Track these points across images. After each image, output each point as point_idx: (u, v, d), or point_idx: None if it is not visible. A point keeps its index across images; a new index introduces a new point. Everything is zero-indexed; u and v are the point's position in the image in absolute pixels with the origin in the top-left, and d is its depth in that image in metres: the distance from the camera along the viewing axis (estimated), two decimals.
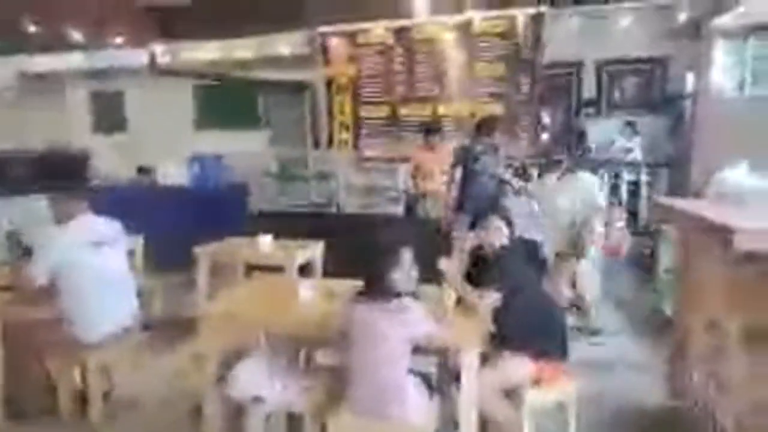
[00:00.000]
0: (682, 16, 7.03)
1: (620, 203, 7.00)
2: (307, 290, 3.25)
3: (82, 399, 3.48)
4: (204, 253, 4.91)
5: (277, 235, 4.87)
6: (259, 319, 3.18)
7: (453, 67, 7.99)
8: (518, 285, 3.03)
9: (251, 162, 8.20)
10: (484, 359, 2.86)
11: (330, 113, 8.75)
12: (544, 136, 8.10)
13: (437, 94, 8.15)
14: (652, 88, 7.88)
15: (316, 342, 3.18)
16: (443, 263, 3.18)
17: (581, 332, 4.81)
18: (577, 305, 4.97)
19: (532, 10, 7.51)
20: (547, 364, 2.95)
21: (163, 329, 4.46)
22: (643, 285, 6.03)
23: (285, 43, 8.69)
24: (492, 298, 2.94)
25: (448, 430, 2.81)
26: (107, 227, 3.53)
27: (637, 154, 7.36)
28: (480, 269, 3.20)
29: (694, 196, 5.37)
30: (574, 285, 4.93)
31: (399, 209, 6.83)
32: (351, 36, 8.40)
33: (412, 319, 2.48)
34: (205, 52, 9.12)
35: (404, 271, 2.58)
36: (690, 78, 7.30)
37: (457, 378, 2.75)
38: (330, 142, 8.80)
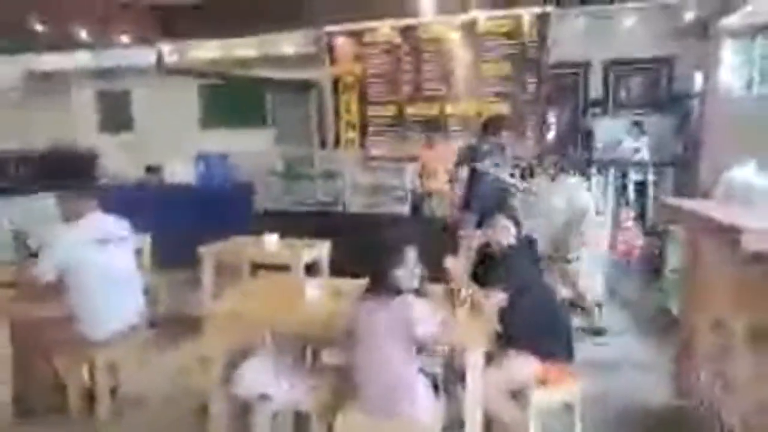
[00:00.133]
0: (689, 16, 7.00)
1: (627, 203, 6.98)
2: (313, 289, 3.26)
3: (89, 397, 3.50)
4: (209, 252, 4.92)
5: (282, 234, 4.87)
6: (265, 318, 3.19)
7: (459, 66, 7.98)
8: (524, 285, 3.02)
9: (257, 161, 8.21)
10: (490, 359, 2.87)
11: (336, 112, 8.75)
12: (551, 136, 8.09)
13: (444, 93, 8.14)
14: (658, 88, 7.86)
15: (323, 341, 3.19)
16: (449, 262, 3.19)
17: (585, 332, 4.80)
18: (579, 305, 4.96)
19: (537, 10, 7.49)
20: (553, 364, 2.95)
21: (168, 327, 4.49)
22: (649, 285, 6.01)
23: (291, 42, 8.69)
24: (498, 297, 2.94)
25: (453, 429, 2.81)
26: (115, 225, 3.54)
27: (645, 154, 7.33)
28: (486, 268, 3.20)
29: (702, 196, 5.36)
30: (574, 285, 4.93)
31: (405, 208, 6.83)
32: (357, 35, 8.40)
33: (413, 317, 2.47)
34: (211, 51, 9.13)
35: (408, 268, 2.59)
36: (697, 77, 7.27)
37: (462, 377, 2.75)
38: (336, 141, 8.81)
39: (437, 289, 3.06)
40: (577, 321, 4.73)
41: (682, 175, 7.18)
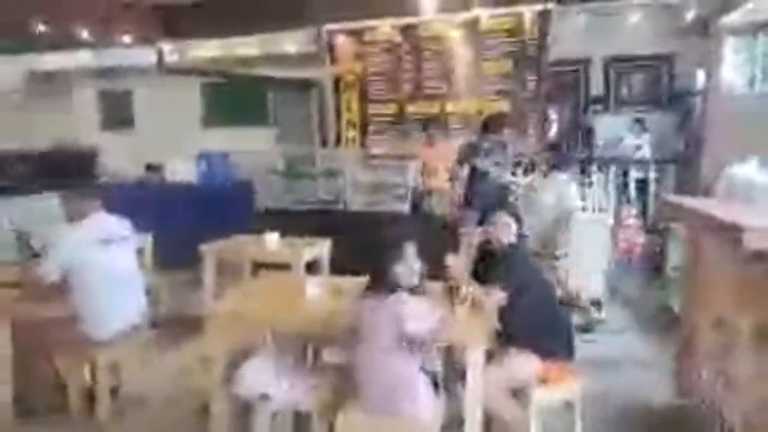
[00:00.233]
0: (690, 13, 6.99)
1: (628, 201, 6.97)
2: (314, 288, 3.25)
3: (90, 397, 3.50)
4: (210, 251, 4.92)
5: (283, 233, 4.87)
6: (266, 317, 3.18)
7: (460, 64, 7.97)
8: (525, 283, 3.02)
9: (258, 160, 8.21)
10: (490, 357, 2.86)
11: (337, 111, 8.74)
12: (552, 133, 8.08)
13: (444, 91, 8.13)
14: (659, 85, 7.86)
15: (324, 340, 3.18)
16: (450, 259, 3.18)
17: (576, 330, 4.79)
18: (568, 303, 4.94)
19: (539, 7, 7.47)
20: (554, 362, 2.95)
21: (170, 327, 4.49)
22: (650, 282, 6.00)
23: (291, 41, 8.69)
24: (498, 296, 2.94)
25: (453, 427, 2.81)
26: (117, 225, 3.55)
27: (646, 152, 7.32)
28: (487, 265, 3.19)
29: (703, 193, 5.35)
30: (559, 282, 4.90)
31: (406, 207, 6.83)
32: (358, 34, 8.39)
33: (404, 314, 2.46)
34: (212, 50, 9.12)
35: (408, 264, 2.59)
36: (699, 75, 7.26)
37: (462, 376, 2.75)
38: (337, 139, 8.80)
39: (437, 286, 3.05)
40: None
41: (684, 172, 7.17)
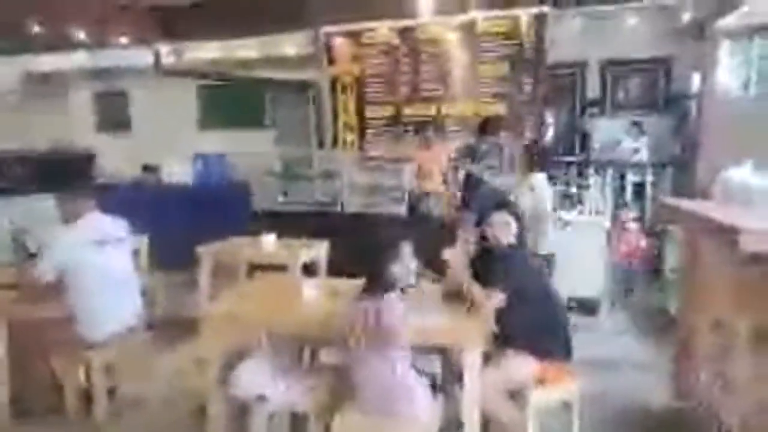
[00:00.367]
0: (686, 17, 7.01)
1: (625, 204, 6.98)
2: (310, 289, 3.25)
3: (87, 398, 3.49)
4: (207, 252, 4.91)
5: (280, 235, 4.86)
6: (262, 319, 3.18)
7: (457, 67, 7.97)
8: (523, 285, 2.99)
9: (255, 161, 8.20)
10: (487, 359, 2.86)
11: (334, 113, 8.73)
12: (548, 136, 8.08)
13: (441, 94, 8.12)
14: (656, 89, 7.88)
15: (320, 341, 3.18)
16: (448, 253, 3.17)
17: None
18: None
19: (535, 10, 7.48)
20: (551, 363, 2.94)
21: (165, 329, 4.47)
22: (648, 285, 6.01)
23: (289, 43, 8.68)
24: (499, 298, 2.93)
25: (451, 429, 2.81)
26: (113, 226, 3.54)
27: (644, 155, 7.33)
28: (486, 265, 3.16)
29: (700, 196, 5.36)
30: None
31: (402, 208, 6.82)
32: (355, 36, 8.38)
33: (391, 315, 2.46)
34: (209, 52, 9.10)
35: (404, 264, 2.60)
36: (695, 78, 7.28)
37: (460, 378, 2.74)
38: (334, 141, 8.78)
39: (435, 287, 3.05)
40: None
41: (680, 175, 7.19)
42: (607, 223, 5.49)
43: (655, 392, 3.76)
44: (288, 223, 5.33)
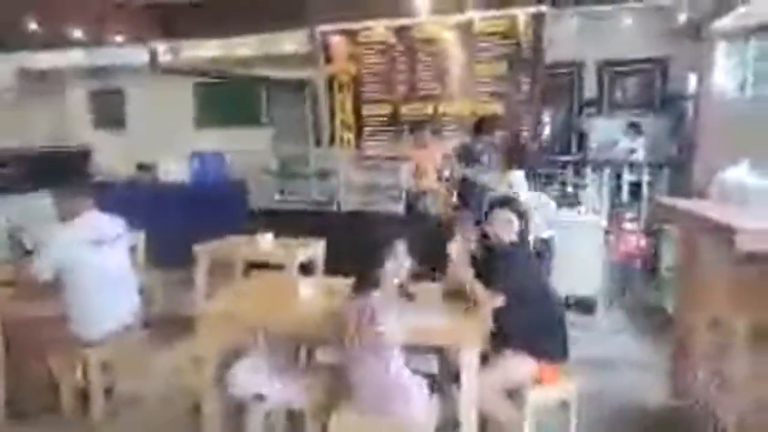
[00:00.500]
0: (683, 18, 7.02)
1: (621, 204, 6.99)
2: (307, 288, 3.25)
3: (83, 396, 3.48)
4: (203, 251, 4.90)
5: (277, 233, 4.85)
6: (259, 318, 3.17)
7: (454, 66, 7.97)
8: (523, 285, 2.99)
9: (251, 160, 8.19)
10: (485, 359, 2.86)
11: (331, 111, 8.71)
12: (545, 135, 8.10)
13: (438, 93, 8.12)
14: (653, 89, 7.88)
15: (317, 340, 3.17)
16: (451, 247, 3.17)
17: None
18: None
19: (532, 10, 7.48)
20: (549, 363, 2.94)
21: (162, 327, 4.46)
22: (645, 283, 6.02)
23: (286, 41, 8.66)
24: (499, 299, 2.92)
25: (448, 429, 2.81)
26: (110, 224, 3.53)
27: (641, 155, 7.34)
28: (487, 260, 3.13)
29: (697, 196, 5.37)
30: None
31: (399, 207, 6.82)
32: (352, 34, 8.37)
33: (377, 314, 2.45)
34: (206, 50, 9.07)
35: (398, 262, 2.62)
36: (692, 79, 7.29)
37: (457, 377, 2.74)
38: (331, 140, 8.77)
39: (435, 287, 3.05)
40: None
41: (677, 176, 7.20)
42: (604, 223, 5.51)
43: (653, 391, 3.77)
44: (285, 222, 5.32)
